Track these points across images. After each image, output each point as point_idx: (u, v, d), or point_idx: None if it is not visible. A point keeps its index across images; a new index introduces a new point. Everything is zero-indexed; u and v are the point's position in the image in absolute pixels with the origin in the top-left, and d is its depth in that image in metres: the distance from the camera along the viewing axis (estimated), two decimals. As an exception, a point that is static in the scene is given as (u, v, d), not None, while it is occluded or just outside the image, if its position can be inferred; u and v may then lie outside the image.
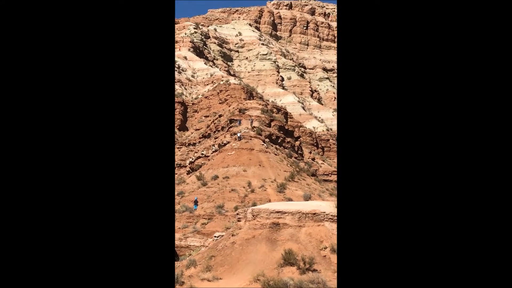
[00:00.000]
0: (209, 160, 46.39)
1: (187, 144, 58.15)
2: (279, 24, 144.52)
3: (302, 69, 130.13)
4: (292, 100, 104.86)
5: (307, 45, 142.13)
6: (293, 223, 17.62)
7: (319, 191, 39.08)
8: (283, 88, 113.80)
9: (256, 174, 38.45)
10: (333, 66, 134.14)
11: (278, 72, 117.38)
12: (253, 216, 18.39)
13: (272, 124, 50.02)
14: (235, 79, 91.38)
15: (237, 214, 20.10)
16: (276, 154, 43.96)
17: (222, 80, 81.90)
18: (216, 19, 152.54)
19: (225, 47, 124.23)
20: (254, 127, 46.45)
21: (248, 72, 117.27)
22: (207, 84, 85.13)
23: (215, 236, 21.65)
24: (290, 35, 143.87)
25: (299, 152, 54.04)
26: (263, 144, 43.49)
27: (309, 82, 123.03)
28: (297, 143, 55.59)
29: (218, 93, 72.75)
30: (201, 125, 63.04)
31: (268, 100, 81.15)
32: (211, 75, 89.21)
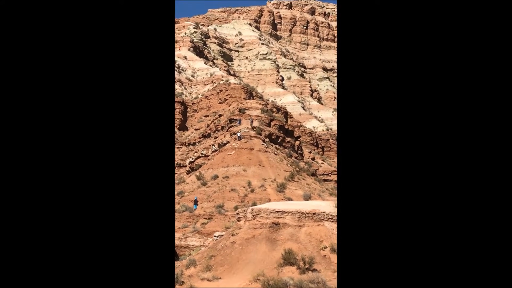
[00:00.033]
0: (209, 159, 46.39)
1: (187, 144, 58.14)
2: (279, 24, 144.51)
3: (302, 68, 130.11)
4: (292, 100, 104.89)
5: (307, 44, 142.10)
6: (293, 222, 17.61)
7: (319, 191, 39.08)
8: (283, 87, 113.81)
9: (256, 174, 38.44)
10: (333, 66, 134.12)
11: (278, 71, 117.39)
12: (253, 215, 18.38)
13: (272, 123, 49.99)
14: (235, 78, 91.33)
15: (237, 213, 20.08)
16: (276, 154, 43.95)
17: (222, 80, 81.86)
18: (216, 19, 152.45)
19: (225, 47, 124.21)
20: (254, 126, 46.42)
21: (248, 72, 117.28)
22: (207, 84, 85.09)
23: (215, 236, 21.64)
24: (290, 35, 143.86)
25: (299, 151, 54.03)
26: (263, 144, 43.47)
27: (309, 82, 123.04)
28: (297, 142, 55.56)
29: (218, 92, 72.72)
30: (201, 125, 63.01)
31: (268, 100, 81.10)
32: (211, 75, 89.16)
